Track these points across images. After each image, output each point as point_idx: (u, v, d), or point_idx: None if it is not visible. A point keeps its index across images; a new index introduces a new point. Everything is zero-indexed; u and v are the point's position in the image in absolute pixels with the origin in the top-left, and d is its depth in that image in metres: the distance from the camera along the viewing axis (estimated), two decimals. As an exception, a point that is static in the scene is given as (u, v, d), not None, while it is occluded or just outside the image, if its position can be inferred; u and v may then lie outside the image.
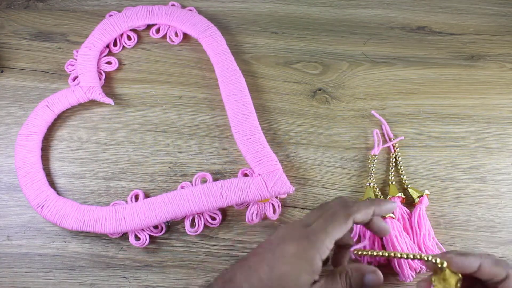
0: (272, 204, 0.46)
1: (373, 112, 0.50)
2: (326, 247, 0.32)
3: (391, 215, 0.44)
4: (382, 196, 0.46)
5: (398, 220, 0.44)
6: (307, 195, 0.47)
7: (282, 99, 0.52)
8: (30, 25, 0.56)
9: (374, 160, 0.48)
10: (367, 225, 0.36)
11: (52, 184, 0.47)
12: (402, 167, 0.48)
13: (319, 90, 0.53)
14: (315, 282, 0.32)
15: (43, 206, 0.44)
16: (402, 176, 0.48)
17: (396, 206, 0.37)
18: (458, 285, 0.31)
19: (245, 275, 0.32)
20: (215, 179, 0.47)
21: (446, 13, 0.59)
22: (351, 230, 0.36)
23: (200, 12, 0.57)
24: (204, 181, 0.47)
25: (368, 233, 0.43)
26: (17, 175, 0.46)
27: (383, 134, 0.50)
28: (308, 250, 0.31)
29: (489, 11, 0.59)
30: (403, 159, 0.49)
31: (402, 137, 0.50)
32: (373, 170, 0.48)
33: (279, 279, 0.31)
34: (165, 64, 0.54)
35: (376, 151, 0.48)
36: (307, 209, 0.47)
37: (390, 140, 0.50)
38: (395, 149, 0.49)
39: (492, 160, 0.49)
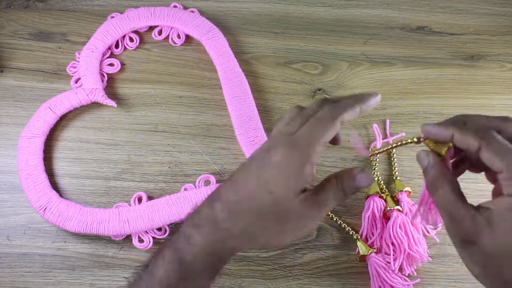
0: None
1: (374, 126, 0.50)
2: (316, 153, 0.30)
3: (399, 207, 0.45)
4: (387, 191, 0.47)
5: (406, 214, 0.45)
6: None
7: (282, 99, 0.52)
8: (30, 25, 0.56)
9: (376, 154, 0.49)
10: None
11: (53, 184, 0.47)
12: (395, 167, 0.49)
13: (319, 90, 0.53)
14: (304, 191, 0.30)
15: (45, 209, 0.44)
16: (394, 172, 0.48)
17: (380, 98, 0.34)
18: (445, 152, 0.31)
19: (231, 189, 0.31)
20: (216, 180, 0.47)
21: (446, 13, 0.59)
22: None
23: (200, 12, 0.57)
24: (207, 183, 0.47)
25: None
26: (19, 177, 0.46)
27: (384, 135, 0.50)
28: (296, 156, 0.29)
29: (489, 11, 0.59)
30: (401, 159, 0.49)
31: (403, 133, 0.50)
32: (377, 164, 0.48)
33: (266, 185, 0.29)
34: (165, 64, 0.54)
35: (377, 144, 0.48)
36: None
37: (391, 136, 0.50)
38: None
39: (492, 160, 0.49)
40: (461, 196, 0.29)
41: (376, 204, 0.45)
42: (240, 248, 0.32)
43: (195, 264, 0.30)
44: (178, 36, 0.55)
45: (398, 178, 0.47)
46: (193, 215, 0.31)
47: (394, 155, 0.49)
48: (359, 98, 0.32)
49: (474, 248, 0.27)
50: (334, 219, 0.46)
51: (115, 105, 0.50)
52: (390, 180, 0.48)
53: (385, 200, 0.46)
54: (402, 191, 0.46)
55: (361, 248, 0.44)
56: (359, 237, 0.45)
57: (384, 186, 0.47)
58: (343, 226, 0.45)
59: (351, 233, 0.45)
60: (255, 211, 0.30)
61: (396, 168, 0.48)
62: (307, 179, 0.30)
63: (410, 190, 0.46)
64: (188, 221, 0.31)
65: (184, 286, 0.30)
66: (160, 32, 0.55)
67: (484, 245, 0.27)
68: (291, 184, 0.29)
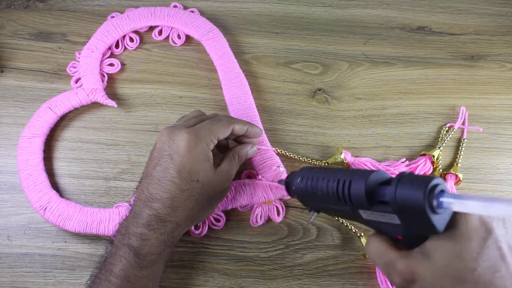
0: (276, 207, 0.46)
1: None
2: (211, 141, 0.38)
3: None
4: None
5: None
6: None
7: (282, 99, 0.52)
8: (30, 25, 0.56)
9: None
10: (237, 139, 0.44)
11: (53, 184, 0.47)
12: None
13: (319, 90, 0.53)
14: (217, 166, 0.40)
15: (45, 208, 0.44)
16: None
17: (262, 133, 0.45)
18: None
19: (159, 188, 0.36)
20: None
21: (446, 13, 0.59)
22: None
23: (200, 12, 0.57)
24: None
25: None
26: (20, 177, 0.46)
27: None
28: (198, 142, 0.37)
29: (489, 11, 0.59)
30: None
31: (481, 129, 0.51)
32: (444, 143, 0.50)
33: (191, 177, 0.37)
34: (165, 64, 0.54)
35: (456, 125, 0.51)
36: (307, 209, 0.47)
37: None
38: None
39: (492, 160, 0.49)
40: (390, 245, 0.31)
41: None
42: (184, 230, 0.39)
43: (152, 254, 0.35)
44: (178, 36, 0.55)
45: (459, 165, 0.49)
46: (133, 218, 0.36)
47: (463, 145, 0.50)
48: (251, 123, 0.42)
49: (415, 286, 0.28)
50: (336, 218, 0.46)
51: (115, 105, 0.50)
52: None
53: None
54: (453, 173, 0.47)
55: None
56: (362, 234, 0.45)
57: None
58: (345, 224, 0.45)
59: (354, 230, 0.45)
60: (191, 200, 0.37)
61: (461, 157, 0.49)
62: (210, 158, 0.39)
63: (461, 178, 0.47)
64: (133, 223, 0.36)
65: (143, 273, 0.35)
66: (160, 32, 0.55)
67: (423, 280, 0.28)
68: (207, 168, 0.38)
